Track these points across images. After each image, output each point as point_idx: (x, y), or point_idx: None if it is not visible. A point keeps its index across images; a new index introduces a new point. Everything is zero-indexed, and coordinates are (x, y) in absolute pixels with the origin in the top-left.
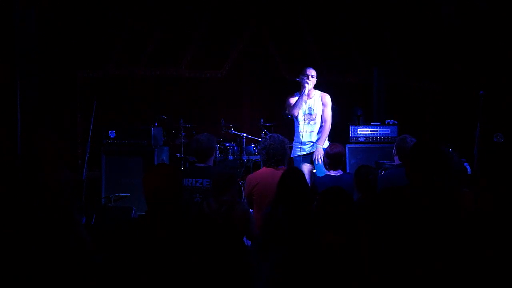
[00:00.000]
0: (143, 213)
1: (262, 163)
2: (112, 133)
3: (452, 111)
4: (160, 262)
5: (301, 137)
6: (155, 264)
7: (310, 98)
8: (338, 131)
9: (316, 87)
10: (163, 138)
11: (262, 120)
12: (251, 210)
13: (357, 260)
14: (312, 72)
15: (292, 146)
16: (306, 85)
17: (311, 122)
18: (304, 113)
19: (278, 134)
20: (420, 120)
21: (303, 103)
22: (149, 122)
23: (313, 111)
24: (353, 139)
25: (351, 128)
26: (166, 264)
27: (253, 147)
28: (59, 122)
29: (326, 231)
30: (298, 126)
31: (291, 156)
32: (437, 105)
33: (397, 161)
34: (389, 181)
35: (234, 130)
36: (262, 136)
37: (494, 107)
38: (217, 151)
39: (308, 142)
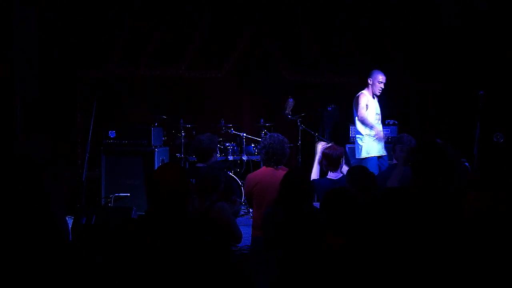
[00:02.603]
0: (143, 213)
1: (262, 163)
2: (112, 133)
3: (452, 111)
4: (157, 262)
5: (376, 137)
6: (152, 264)
7: (376, 99)
8: (338, 131)
9: (316, 87)
10: (163, 138)
11: (262, 120)
12: (251, 210)
13: (360, 261)
14: (385, 79)
15: (363, 145)
16: (378, 92)
17: (379, 122)
18: (376, 113)
19: (279, 134)
20: (420, 120)
21: (375, 103)
22: (149, 122)
23: (380, 111)
24: (353, 139)
25: (351, 128)
26: (164, 264)
27: (253, 147)
28: (59, 122)
29: (328, 232)
30: (371, 126)
31: (370, 155)
32: (437, 105)
33: (395, 161)
34: (384, 181)
35: (234, 130)
36: (262, 136)
37: (494, 107)
38: (217, 152)
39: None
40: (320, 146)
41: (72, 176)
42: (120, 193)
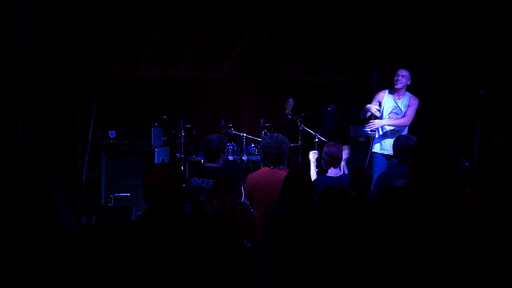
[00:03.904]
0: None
1: (261, 163)
2: (112, 133)
3: (452, 111)
4: (158, 263)
5: (386, 135)
6: (152, 265)
7: (400, 99)
8: (338, 131)
9: (316, 87)
10: (163, 138)
11: (262, 120)
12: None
13: (359, 260)
14: (403, 72)
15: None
16: (394, 84)
17: (390, 120)
18: (391, 111)
19: (279, 134)
20: (420, 120)
21: (394, 102)
22: (149, 122)
23: (400, 111)
24: (353, 139)
25: (351, 128)
26: (164, 265)
27: (253, 147)
28: (59, 122)
29: (326, 231)
30: (361, 113)
31: (373, 150)
32: (437, 105)
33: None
34: (387, 179)
35: (234, 130)
36: (262, 136)
37: (494, 107)
38: (226, 153)
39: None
40: (312, 154)
41: (72, 176)
42: (120, 193)
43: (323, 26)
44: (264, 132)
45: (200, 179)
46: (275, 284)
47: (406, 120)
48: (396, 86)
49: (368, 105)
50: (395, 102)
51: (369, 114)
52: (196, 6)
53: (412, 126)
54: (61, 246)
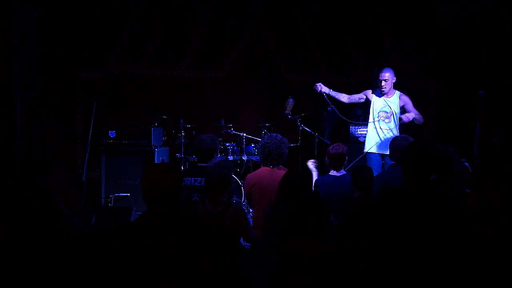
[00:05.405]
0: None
1: (260, 163)
2: (112, 133)
3: (452, 111)
4: (155, 264)
5: (378, 134)
6: (152, 266)
7: (389, 97)
8: (338, 131)
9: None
10: (163, 138)
11: (262, 120)
12: (251, 210)
13: (358, 261)
14: (384, 76)
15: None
16: (382, 89)
17: (386, 120)
18: (381, 110)
19: (278, 134)
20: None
21: (384, 101)
22: (149, 122)
23: (389, 109)
24: (353, 139)
25: (351, 128)
26: (160, 266)
27: (253, 147)
28: (59, 122)
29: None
30: (372, 123)
31: (365, 151)
32: (437, 105)
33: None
34: (385, 181)
35: (234, 130)
36: (262, 136)
37: (494, 107)
38: (218, 153)
39: (384, 140)
40: (311, 164)
41: (72, 176)
42: (120, 193)
43: (323, 26)
44: (264, 132)
45: (193, 178)
46: (274, 284)
47: (417, 114)
48: (383, 92)
49: (318, 84)
50: (385, 101)
51: (342, 98)
52: (196, 6)
53: (412, 125)
54: (65, 246)
